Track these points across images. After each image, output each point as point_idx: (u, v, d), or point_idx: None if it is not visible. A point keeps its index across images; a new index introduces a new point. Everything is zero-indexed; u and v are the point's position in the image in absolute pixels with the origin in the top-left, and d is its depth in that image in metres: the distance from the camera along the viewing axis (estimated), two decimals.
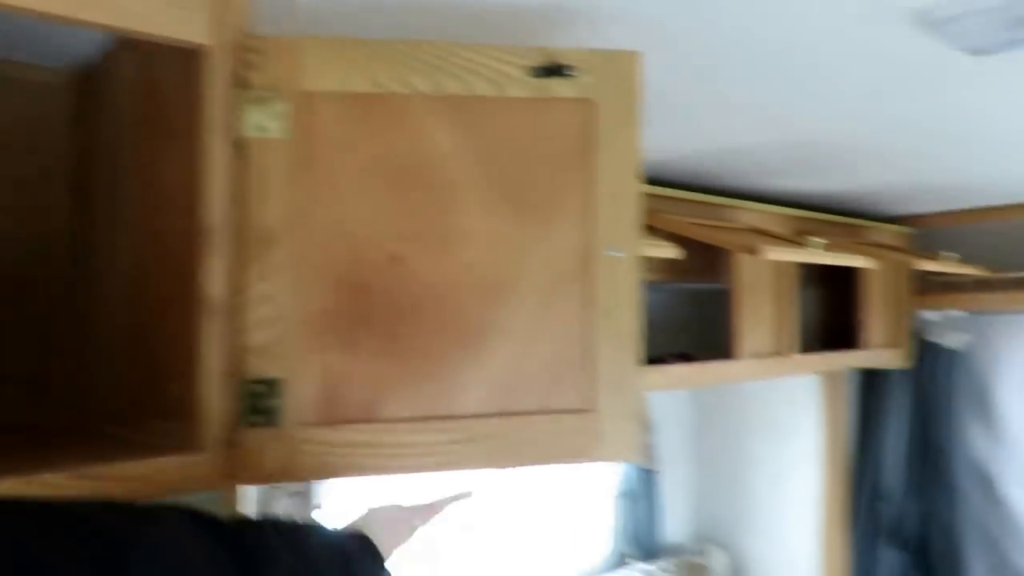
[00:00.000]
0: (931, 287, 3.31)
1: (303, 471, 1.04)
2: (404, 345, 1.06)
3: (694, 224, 2.13)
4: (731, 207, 2.47)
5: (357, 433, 1.05)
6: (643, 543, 3.12)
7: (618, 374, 1.10)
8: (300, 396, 1.04)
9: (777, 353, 2.54)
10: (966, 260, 2.89)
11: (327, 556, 0.90)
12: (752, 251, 1.87)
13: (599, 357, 1.10)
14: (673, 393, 3.40)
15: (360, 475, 1.05)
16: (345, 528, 1.00)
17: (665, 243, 1.76)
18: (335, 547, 0.94)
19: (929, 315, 3.37)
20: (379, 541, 0.99)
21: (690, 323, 3.16)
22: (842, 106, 1.61)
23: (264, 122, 1.01)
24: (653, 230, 2.13)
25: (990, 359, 3.46)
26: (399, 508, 1.06)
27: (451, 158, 1.07)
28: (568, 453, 1.10)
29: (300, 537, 0.89)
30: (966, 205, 3.06)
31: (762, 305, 2.50)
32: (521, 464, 1.09)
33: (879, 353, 3.08)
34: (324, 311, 1.05)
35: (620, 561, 3.10)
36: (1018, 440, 3.39)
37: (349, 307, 1.06)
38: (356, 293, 1.06)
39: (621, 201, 1.09)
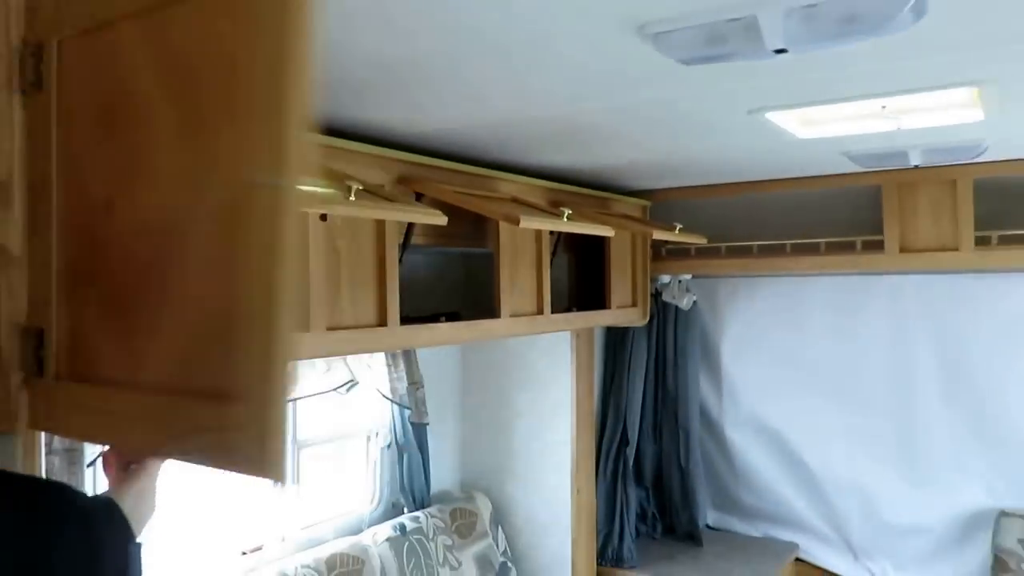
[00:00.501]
0: (666, 254, 3.83)
1: (57, 426, 1.06)
2: (120, 300, 0.98)
3: (460, 193, 2.35)
4: (494, 178, 2.72)
5: (89, 394, 0.99)
6: (413, 492, 3.35)
7: (266, 348, 0.83)
8: (55, 348, 1.04)
9: (535, 312, 2.85)
10: (694, 230, 3.39)
11: (64, 515, 0.87)
12: (512, 220, 2.12)
13: (243, 325, 0.85)
14: (441, 350, 3.64)
15: (90, 441, 1.05)
16: (97, 494, 1.01)
17: (432, 210, 1.95)
18: (78, 509, 0.92)
19: (663, 278, 3.89)
20: (131, 510, 0.98)
21: (459, 285, 3.41)
22: (581, 95, 1.89)
23: None
24: (422, 198, 2.31)
25: (713, 317, 4.08)
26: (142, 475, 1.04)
27: (148, 84, 0.97)
28: (196, 451, 0.92)
29: (36, 494, 0.88)
30: (695, 182, 3.57)
31: (521, 268, 2.79)
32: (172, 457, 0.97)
33: (622, 312, 3.53)
34: (68, 263, 1.05)
35: (391, 510, 3.30)
36: (735, 388, 4.04)
37: (85, 259, 1.03)
38: (88, 244, 1.03)
39: (280, 123, 0.83)
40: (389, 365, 3.30)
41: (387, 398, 3.29)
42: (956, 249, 3.17)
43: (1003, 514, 3.46)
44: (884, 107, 2.11)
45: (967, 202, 3.12)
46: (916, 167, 2.93)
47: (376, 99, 1.92)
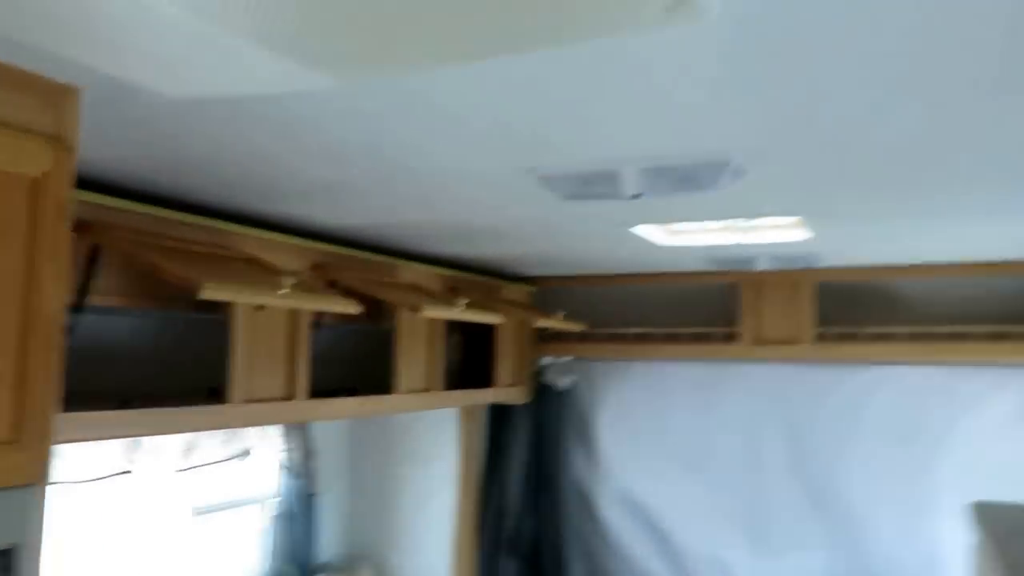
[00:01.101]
0: (548, 337, 4.25)
1: None
2: None
3: (368, 281, 2.68)
4: (397, 266, 3.07)
5: None
6: (300, 560, 3.54)
7: None
8: None
9: (427, 389, 3.18)
10: (575, 316, 3.83)
11: None
12: (415, 309, 2.47)
13: None
14: (331, 422, 3.89)
15: None
16: None
17: (348, 300, 2.28)
18: None
19: (546, 360, 4.31)
20: None
21: (356, 360, 3.70)
22: (480, 212, 2.29)
23: None
24: (334, 285, 2.63)
25: (591, 397, 4.50)
26: None
27: None
28: None
29: None
30: (576, 272, 4.04)
31: (417, 347, 3.13)
32: None
33: (506, 391, 3.90)
34: None
35: None
36: (609, 466, 4.45)
37: None
38: None
39: None
40: (284, 435, 3.53)
41: (281, 467, 3.50)
42: (800, 342, 3.74)
43: None
44: (732, 226, 2.62)
45: (809, 301, 3.70)
46: (765, 271, 3.48)
47: (305, 202, 2.25)
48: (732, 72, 1.19)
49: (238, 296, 1.81)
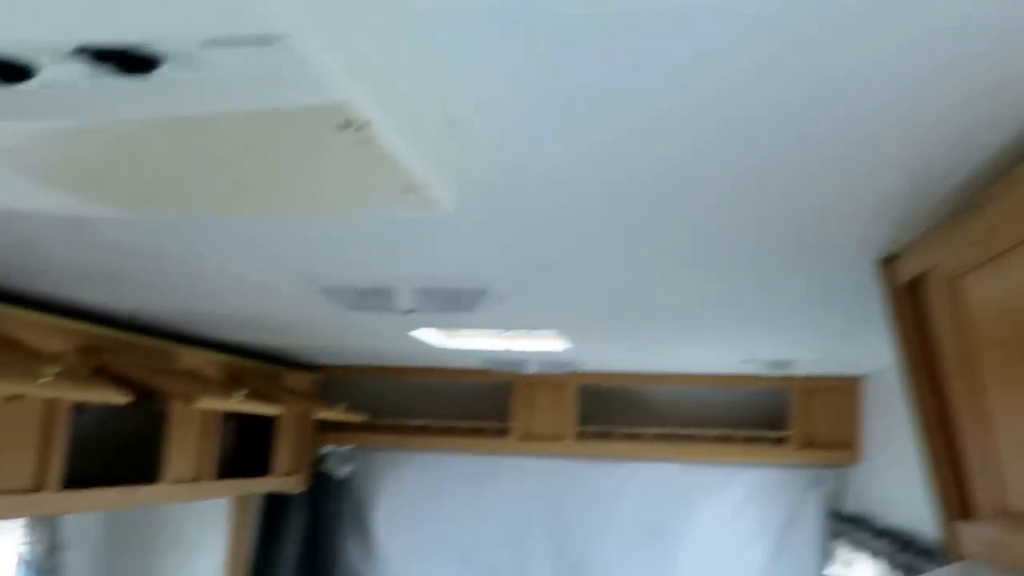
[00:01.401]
0: (329, 426, 4.27)
1: None
2: None
3: (142, 369, 2.64)
4: (174, 351, 3.02)
5: None
6: None
7: None
8: None
9: (197, 478, 3.11)
10: (358, 405, 3.90)
11: None
12: (190, 401, 2.46)
13: None
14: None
15: None
16: None
17: (115, 390, 2.24)
18: None
19: (325, 449, 4.32)
20: None
21: (125, 445, 3.53)
22: (267, 313, 2.37)
23: None
24: (103, 371, 2.56)
25: (369, 487, 4.54)
26: None
27: None
28: None
29: None
30: (362, 363, 4.13)
31: (189, 435, 3.06)
32: None
33: (283, 480, 3.87)
34: None
35: None
36: (387, 557, 4.48)
37: None
38: None
39: None
40: (27, 527, 3.27)
41: (21, 562, 3.24)
42: (563, 439, 4.04)
43: None
44: (503, 334, 2.85)
45: (571, 402, 4.03)
46: (534, 374, 3.76)
47: (78, 284, 2.22)
48: (484, 234, 1.41)
49: None
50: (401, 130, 0.74)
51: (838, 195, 1.18)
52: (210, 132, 0.70)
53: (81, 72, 0.61)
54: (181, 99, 0.63)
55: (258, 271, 1.85)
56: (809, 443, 3.81)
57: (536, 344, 3.06)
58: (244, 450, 3.93)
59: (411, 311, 1.95)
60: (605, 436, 4.04)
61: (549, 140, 1.00)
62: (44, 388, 1.90)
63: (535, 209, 1.30)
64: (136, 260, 1.86)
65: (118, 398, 2.21)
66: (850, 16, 0.72)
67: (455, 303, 1.88)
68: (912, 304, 1.35)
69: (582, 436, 4.05)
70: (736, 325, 2.45)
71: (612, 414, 4.12)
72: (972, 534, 1.19)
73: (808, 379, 3.74)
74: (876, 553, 3.04)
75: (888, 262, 1.41)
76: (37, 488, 2.32)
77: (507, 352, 3.25)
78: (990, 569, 1.13)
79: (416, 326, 2.64)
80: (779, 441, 3.85)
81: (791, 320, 2.32)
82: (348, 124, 0.69)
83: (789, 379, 3.73)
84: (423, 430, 4.21)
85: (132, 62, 0.60)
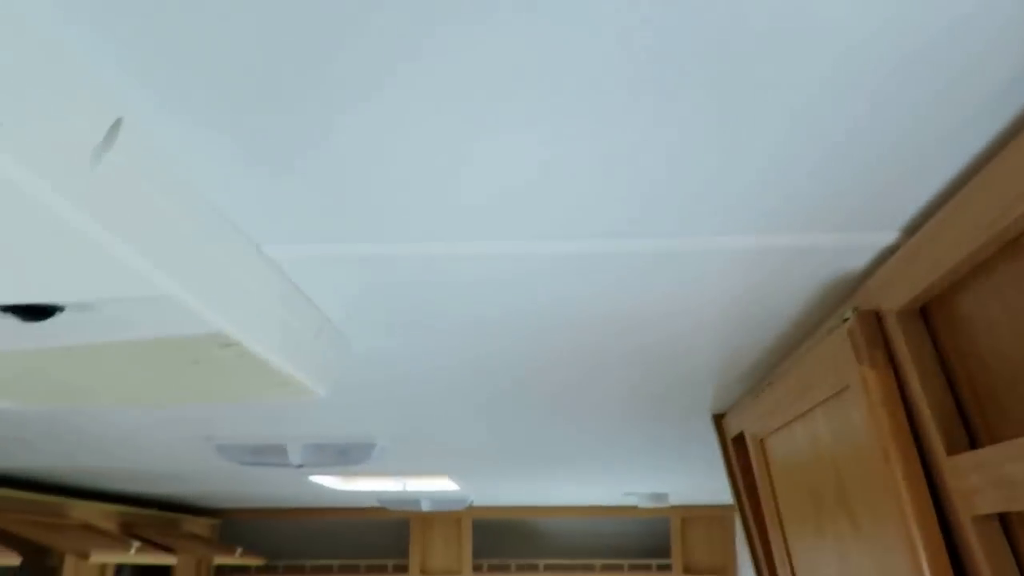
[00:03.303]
0: (229, 570, 4.09)
1: None
2: None
3: (35, 527, 2.52)
4: (66, 504, 2.90)
5: None
6: None
7: None
8: None
9: None
10: (258, 548, 3.76)
11: None
12: (82, 555, 2.36)
13: None
14: None
15: None
16: None
17: (4, 548, 2.14)
18: None
19: None
20: None
21: None
22: (160, 468, 2.34)
23: None
24: None
25: None
26: None
27: None
28: None
29: None
30: (262, 505, 4.01)
31: None
32: None
33: None
34: None
35: None
36: None
37: None
38: None
39: None
40: None
41: None
42: (460, 573, 3.98)
43: None
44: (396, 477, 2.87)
45: (467, 536, 4.01)
46: (429, 511, 3.75)
47: None
48: (364, 400, 1.49)
49: None
50: (270, 346, 0.83)
51: (677, 364, 1.34)
52: (105, 349, 0.78)
53: None
54: (78, 334, 0.71)
55: (153, 432, 1.86)
56: (689, 569, 3.89)
57: (429, 484, 3.08)
58: None
59: (302, 466, 1.98)
60: (500, 569, 4.01)
61: (414, 338, 1.12)
62: None
63: (411, 378, 1.39)
64: (28, 427, 1.84)
65: (11, 559, 2.11)
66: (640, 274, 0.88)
67: (345, 456, 1.93)
68: (739, 453, 1.49)
69: (478, 570, 4.01)
70: (613, 465, 2.57)
71: (506, 547, 4.11)
72: None
73: (686, 508, 3.86)
74: None
75: (719, 419, 1.57)
76: None
77: (402, 492, 3.25)
78: None
79: (313, 472, 2.64)
80: (662, 568, 3.92)
81: (661, 460, 2.46)
82: (228, 344, 0.79)
83: (669, 509, 3.84)
84: (322, 570, 4.08)
85: (35, 311, 0.68)
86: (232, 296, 0.73)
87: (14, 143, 0.46)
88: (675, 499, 3.56)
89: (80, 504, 2.98)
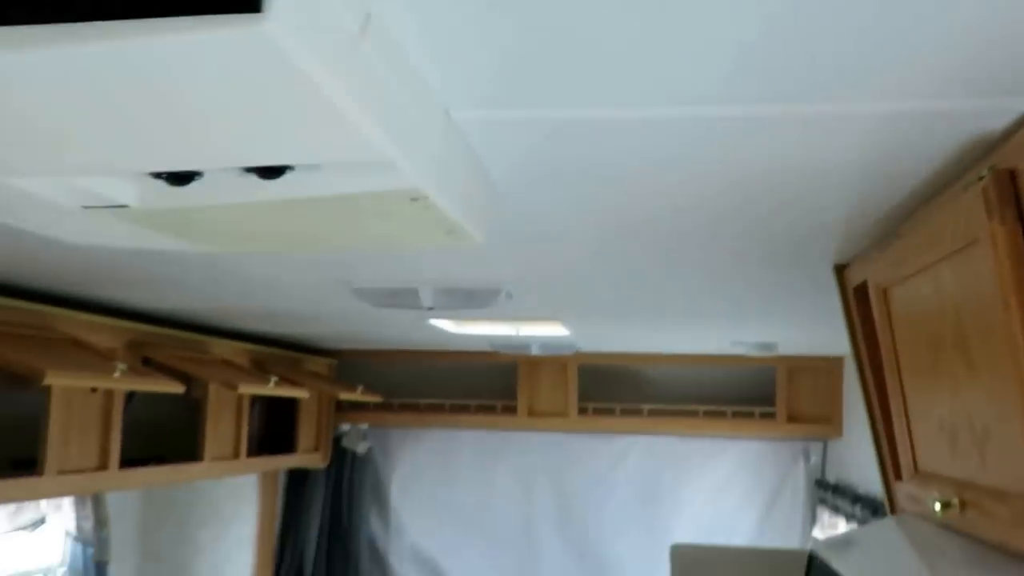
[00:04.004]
0: (347, 406, 4.55)
1: None
2: None
3: (183, 358, 2.90)
4: (208, 342, 3.29)
5: None
6: None
7: None
8: None
9: (233, 456, 3.38)
10: (372, 387, 4.17)
11: None
12: (231, 387, 2.73)
13: None
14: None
15: None
16: None
17: (173, 381, 2.51)
18: None
19: (344, 427, 4.60)
20: None
21: (164, 429, 3.81)
22: (302, 309, 2.63)
23: None
24: (149, 362, 2.83)
25: (385, 461, 4.84)
26: None
27: None
28: None
29: None
30: (376, 348, 4.40)
31: (223, 417, 3.34)
32: None
33: (306, 456, 4.15)
34: None
35: None
36: (401, 524, 4.78)
37: None
38: None
39: None
40: (77, 503, 3.55)
41: (72, 536, 3.52)
42: (566, 415, 4.32)
43: None
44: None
45: (573, 380, 4.30)
46: (537, 355, 4.03)
47: (127, 288, 2.47)
48: (502, 248, 1.66)
49: (78, 381, 2.02)
50: (450, 200, 0.99)
51: (799, 216, 1.44)
52: (317, 202, 0.96)
53: (231, 176, 0.87)
54: (303, 190, 0.89)
55: (297, 275, 2.10)
56: (794, 418, 4.09)
57: (540, 330, 3.32)
58: (270, 430, 4.21)
59: (432, 308, 2.21)
60: (605, 412, 4.32)
61: (559, 194, 1.26)
62: (117, 381, 2.16)
63: (546, 231, 1.55)
64: (189, 269, 2.11)
65: (175, 388, 2.48)
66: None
67: (472, 300, 2.14)
68: (860, 304, 1.61)
69: (583, 412, 4.32)
70: (724, 315, 2.72)
71: (611, 391, 4.40)
72: (901, 491, 1.45)
73: (793, 359, 4.01)
74: (851, 518, 3.32)
75: (841, 269, 1.67)
76: (101, 467, 2.60)
77: (513, 336, 3.51)
78: (914, 518, 1.40)
79: (433, 316, 2.90)
80: (766, 416, 4.13)
81: (772, 311, 2.58)
82: (416, 198, 0.95)
83: (776, 359, 3.99)
84: (434, 409, 4.49)
85: (271, 171, 0.85)
86: (427, 157, 0.88)
87: (294, 26, 0.60)
88: (782, 350, 3.71)
89: (219, 342, 3.38)
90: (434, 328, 3.26)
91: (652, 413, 4.26)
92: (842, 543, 1.39)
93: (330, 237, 1.14)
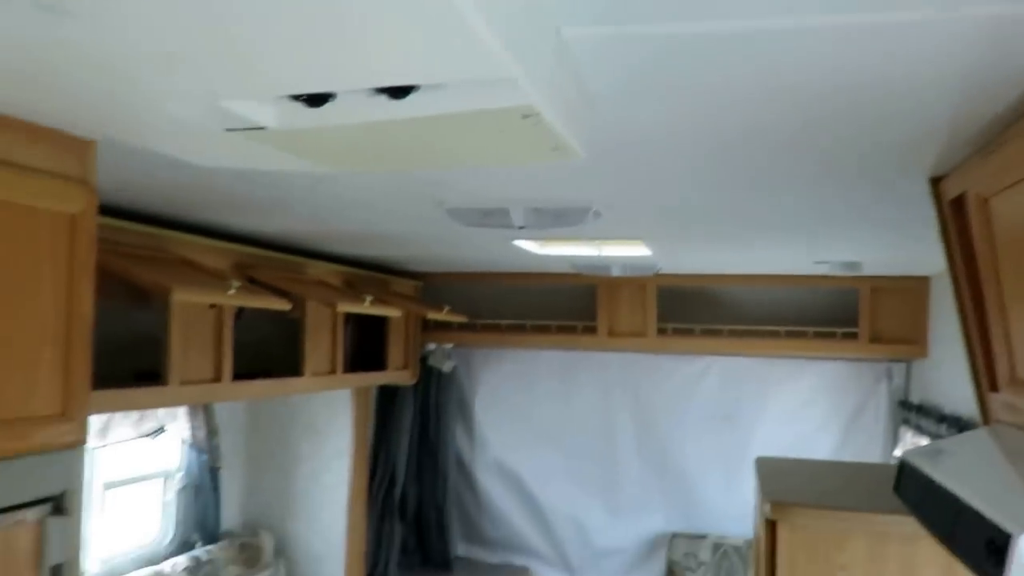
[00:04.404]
0: (433, 326, 4.70)
1: None
2: None
3: (285, 278, 3.05)
4: (305, 264, 3.44)
5: None
6: (205, 529, 3.85)
7: None
8: None
9: (330, 372, 3.57)
10: (456, 308, 4.30)
11: None
12: (331, 305, 2.87)
13: None
14: (232, 402, 4.20)
15: None
16: None
17: (280, 299, 2.65)
18: None
19: (430, 346, 4.76)
20: None
21: (266, 345, 4.03)
22: (395, 229, 2.72)
23: None
24: (253, 282, 2.98)
25: (469, 380, 5.01)
26: None
27: None
28: None
29: None
30: (460, 270, 4.51)
31: (321, 335, 3.50)
32: None
33: (396, 373, 4.33)
34: None
35: (185, 545, 3.78)
36: (484, 439, 4.98)
37: None
38: None
39: None
40: (189, 414, 3.81)
41: (187, 444, 3.80)
42: (645, 335, 4.37)
43: (675, 536, 4.67)
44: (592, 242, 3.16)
45: (652, 301, 4.34)
46: (618, 276, 4.07)
47: (234, 213, 2.60)
48: (594, 164, 1.69)
49: (200, 297, 2.17)
50: (558, 117, 1.04)
51: (894, 127, 1.43)
52: (439, 120, 1.02)
53: (362, 97, 0.93)
54: (427, 108, 0.94)
55: (391, 196, 2.18)
56: (878, 338, 4.04)
57: (622, 250, 3.35)
58: (360, 348, 4.40)
59: (523, 227, 2.26)
60: (684, 332, 4.35)
61: (659, 110, 1.29)
62: (231, 298, 2.30)
63: (641, 149, 1.58)
64: (293, 192, 2.21)
65: (283, 306, 2.62)
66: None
67: (561, 219, 2.18)
68: (956, 217, 1.59)
69: (662, 332, 4.37)
70: (810, 230, 2.69)
71: (690, 312, 4.42)
72: (997, 402, 1.47)
73: (878, 279, 3.94)
74: (936, 437, 3.31)
75: (937, 181, 1.65)
76: (216, 379, 2.78)
77: (596, 257, 3.55)
78: (1006, 428, 1.41)
79: (519, 237, 2.96)
80: (848, 336, 4.09)
81: (861, 225, 2.55)
82: (528, 115, 1.00)
83: (859, 279, 3.93)
84: (517, 329, 4.60)
85: (399, 91, 0.91)
86: (542, 74, 0.93)
87: None
88: (867, 270, 3.65)
89: (315, 264, 3.53)
90: (518, 249, 3.33)
91: (732, 334, 4.27)
92: (933, 451, 1.41)
93: (444, 156, 1.20)
